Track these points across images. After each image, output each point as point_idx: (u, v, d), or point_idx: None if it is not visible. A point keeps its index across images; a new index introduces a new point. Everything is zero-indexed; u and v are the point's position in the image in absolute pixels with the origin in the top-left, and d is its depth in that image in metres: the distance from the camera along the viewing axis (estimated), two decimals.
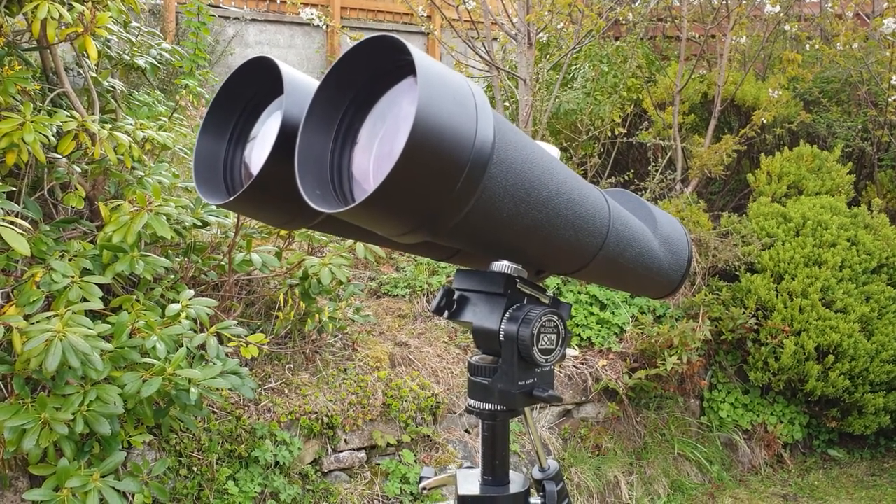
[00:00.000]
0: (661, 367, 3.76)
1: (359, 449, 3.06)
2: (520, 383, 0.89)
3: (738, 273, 4.28)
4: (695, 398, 4.18)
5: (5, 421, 2.07)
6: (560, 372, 3.70)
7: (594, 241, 0.88)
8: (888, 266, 4.18)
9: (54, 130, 2.50)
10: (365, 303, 3.69)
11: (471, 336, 0.93)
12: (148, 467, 2.43)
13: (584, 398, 3.77)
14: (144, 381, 2.23)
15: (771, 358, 4.03)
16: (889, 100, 4.87)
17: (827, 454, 4.29)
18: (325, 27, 5.09)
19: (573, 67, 5.41)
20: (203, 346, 2.45)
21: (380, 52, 0.72)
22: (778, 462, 4.16)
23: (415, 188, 0.66)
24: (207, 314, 2.48)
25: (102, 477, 2.20)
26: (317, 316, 3.10)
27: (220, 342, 2.57)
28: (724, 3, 5.04)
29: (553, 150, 0.93)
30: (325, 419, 2.96)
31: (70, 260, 2.38)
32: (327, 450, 2.99)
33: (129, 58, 3.31)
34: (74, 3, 2.52)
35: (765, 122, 4.85)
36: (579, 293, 4.06)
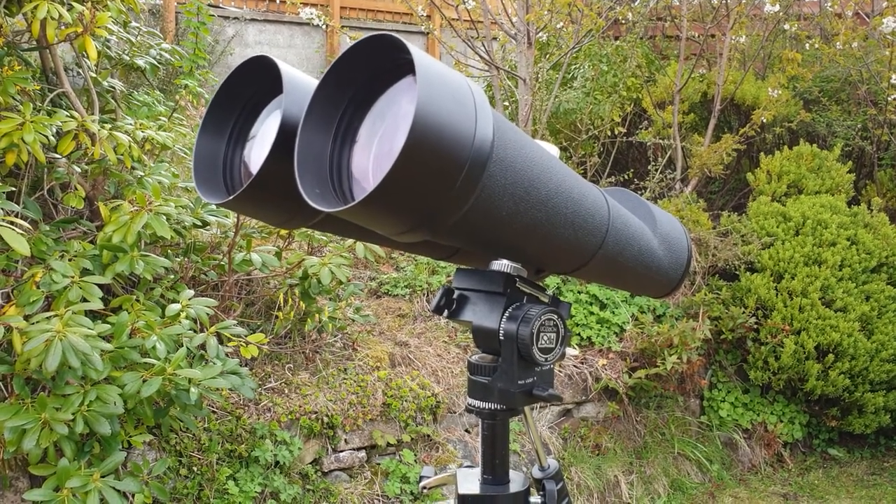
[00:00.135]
0: (661, 367, 3.76)
1: (359, 449, 3.06)
2: (519, 382, 0.89)
3: (737, 272, 4.28)
4: (695, 397, 4.18)
5: (5, 421, 2.07)
6: (560, 371, 3.70)
7: (593, 240, 0.88)
8: (888, 265, 4.18)
9: (54, 130, 2.50)
10: (365, 302, 3.69)
11: (471, 335, 0.93)
12: (148, 467, 2.43)
13: (584, 397, 3.77)
14: (144, 381, 2.22)
15: (771, 357, 4.03)
16: (889, 99, 4.87)
17: (827, 453, 4.29)
18: (324, 27, 5.09)
19: (573, 67, 5.41)
20: (203, 346, 2.45)
21: (379, 51, 0.72)
22: (778, 461, 4.17)
23: (414, 187, 0.66)
24: (207, 314, 2.48)
25: (102, 477, 2.20)
26: (317, 316, 3.10)
27: (220, 342, 2.57)
28: (724, 2, 5.04)
29: (552, 149, 0.93)
30: (326, 419, 2.96)
31: (70, 260, 2.38)
32: (327, 449, 2.99)
33: (128, 58, 3.31)
34: (74, 3, 2.52)
35: (764, 121, 4.85)
36: (579, 293, 4.06)
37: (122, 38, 3.27)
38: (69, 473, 2.16)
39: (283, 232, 3.10)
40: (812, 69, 5.12)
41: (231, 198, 0.78)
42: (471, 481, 0.96)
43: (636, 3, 5.22)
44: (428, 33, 5.87)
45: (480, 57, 4.80)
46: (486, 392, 0.91)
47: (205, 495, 2.63)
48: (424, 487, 1.03)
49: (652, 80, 5.57)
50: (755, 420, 4.16)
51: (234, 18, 6.77)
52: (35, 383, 2.29)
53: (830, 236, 4.12)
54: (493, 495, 0.94)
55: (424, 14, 5.99)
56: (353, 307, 3.28)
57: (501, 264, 0.90)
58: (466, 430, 3.38)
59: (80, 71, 2.98)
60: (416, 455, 3.14)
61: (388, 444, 3.09)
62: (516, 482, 0.96)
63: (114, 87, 3.16)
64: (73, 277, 2.30)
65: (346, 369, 3.19)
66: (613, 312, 4.05)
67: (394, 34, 0.69)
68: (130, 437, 2.40)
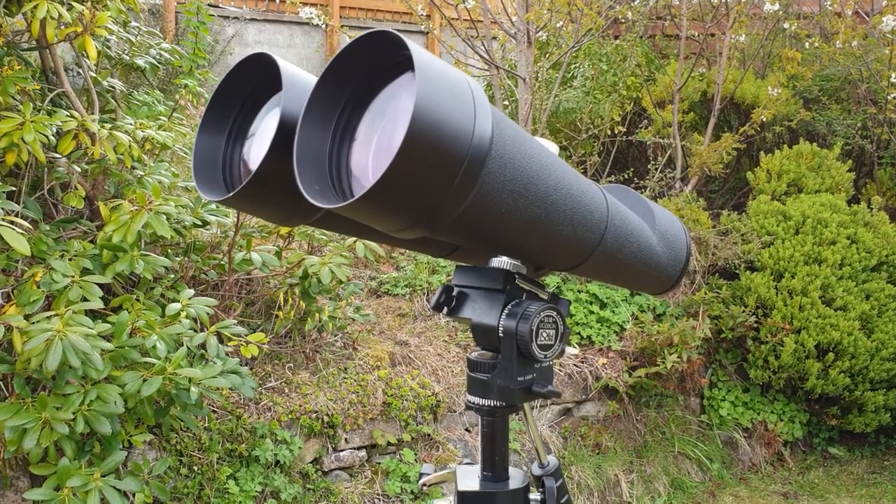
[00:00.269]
0: (662, 366, 3.76)
1: (359, 448, 3.06)
2: (519, 379, 0.89)
3: (737, 271, 4.28)
4: (695, 396, 4.18)
5: (6, 420, 2.07)
6: (560, 370, 3.70)
7: (592, 237, 0.88)
8: (888, 264, 4.18)
9: (54, 130, 2.50)
10: (365, 302, 3.69)
11: (470, 333, 0.93)
12: (148, 466, 2.43)
13: (584, 397, 3.78)
14: (145, 380, 2.23)
15: (771, 356, 4.03)
16: (888, 97, 4.87)
17: (827, 452, 4.29)
18: (324, 26, 5.09)
19: (572, 66, 5.41)
20: (203, 346, 2.45)
21: (378, 48, 0.72)
22: (778, 460, 4.17)
23: (413, 183, 0.66)
24: (207, 313, 2.48)
25: (103, 476, 2.20)
26: (317, 315, 3.10)
27: (221, 341, 2.57)
28: (724, 1, 5.04)
29: (552, 147, 0.93)
30: (326, 418, 2.96)
31: (70, 259, 2.39)
32: (328, 449, 2.99)
33: (128, 57, 3.31)
34: (74, 3, 2.52)
35: (764, 120, 4.85)
36: (579, 292, 4.06)
37: (122, 38, 3.27)
38: (70, 473, 2.16)
39: (283, 231, 3.10)
40: (812, 68, 5.12)
41: (230, 195, 0.78)
42: (470, 478, 0.96)
43: (636, 3, 5.22)
44: (428, 33, 5.87)
45: (480, 56, 4.80)
46: (486, 389, 0.91)
47: (205, 494, 2.63)
48: (424, 484, 1.03)
49: (652, 79, 5.56)
50: (755, 419, 4.16)
51: (234, 18, 6.78)
52: (35, 383, 2.29)
53: (830, 235, 4.12)
54: (492, 492, 0.94)
55: (424, 13, 5.99)
56: (353, 306, 3.28)
57: (501, 261, 0.90)
58: (467, 430, 3.38)
59: (80, 71, 2.98)
60: (416, 454, 3.14)
61: (389, 444, 3.09)
62: (516, 479, 0.96)
63: (114, 87, 3.16)
64: (73, 277, 2.30)
65: (346, 368, 3.19)
66: (613, 311, 4.05)
67: (392, 30, 0.69)
68: (131, 436, 2.40)
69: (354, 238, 3.07)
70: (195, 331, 2.48)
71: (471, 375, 0.92)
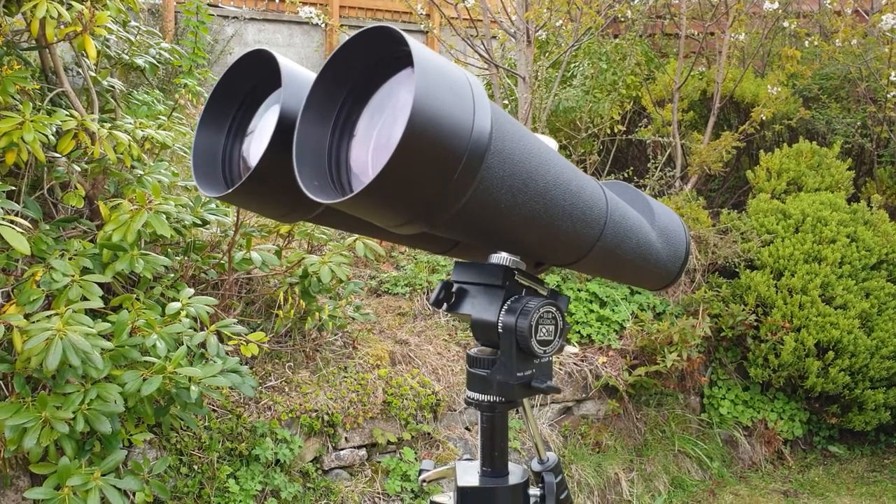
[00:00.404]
0: (661, 364, 3.76)
1: (359, 447, 3.06)
2: (518, 374, 0.89)
3: (737, 270, 4.28)
4: (695, 395, 4.18)
5: (6, 420, 2.07)
6: (560, 369, 3.70)
7: (592, 232, 0.88)
8: (888, 262, 4.18)
9: (54, 130, 2.50)
10: (365, 301, 3.69)
11: (470, 331, 0.93)
12: (149, 466, 2.43)
13: (584, 395, 3.78)
14: (145, 379, 2.23)
15: (771, 354, 4.03)
16: (888, 96, 4.87)
17: (827, 450, 4.29)
18: (323, 26, 5.09)
19: (572, 65, 5.42)
20: (203, 345, 2.45)
21: (377, 43, 0.72)
22: (778, 458, 4.17)
23: (412, 178, 0.66)
24: (207, 312, 2.48)
25: (103, 475, 2.20)
26: (317, 314, 3.10)
27: (221, 340, 2.57)
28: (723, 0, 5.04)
29: (551, 143, 0.93)
30: (326, 417, 2.96)
31: (70, 259, 2.39)
32: (328, 448, 2.99)
33: (128, 57, 3.31)
34: (73, 3, 2.52)
35: (764, 118, 4.85)
36: (579, 290, 4.06)
37: (122, 38, 3.28)
38: (70, 472, 2.16)
39: (283, 230, 3.10)
40: (811, 66, 5.12)
41: (230, 191, 0.79)
42: (470, 474, 0.96)
43: (635, 2, 5.22)
44: (427, 32, 5.87)
45: (480, 55, 4.80)
46: (485, 384, 0.91)
47: (205, 493, 2.64)
48: (424, 481, 1.03)
49: (651, 77, 5.56)
50: (755, 417, 4.16)
51: (234, 17, 6.78)
52: (35, 382, 2.29)
53: (830, 233, 4.12)
54: (491, 487, 0.94)
55: (424, 13, 5.99)
56: (353, 305, 3.29)
57: (500, 257, 0.90)
58: (467, 428, 3.38)
59: (80, 70, 2.98)
60: (416, 453, 3.14)
61: (389, 443, 3.10)
62: (515, 474, 0.96)
63: (113, 87, 3.16)
64: (73, 276, 2.30)
65: (346, 367, 3.19)
66: (613, 310, 4.05)
67: (391, 26, 0.69)
68: (131, 435, 2.40)
69: (354, 237, 3.07)
70: (195, 330, 2.48)
71: (470, 371, 0.92)
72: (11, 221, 2.17)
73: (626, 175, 4.96)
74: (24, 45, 2.85)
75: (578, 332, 3.94)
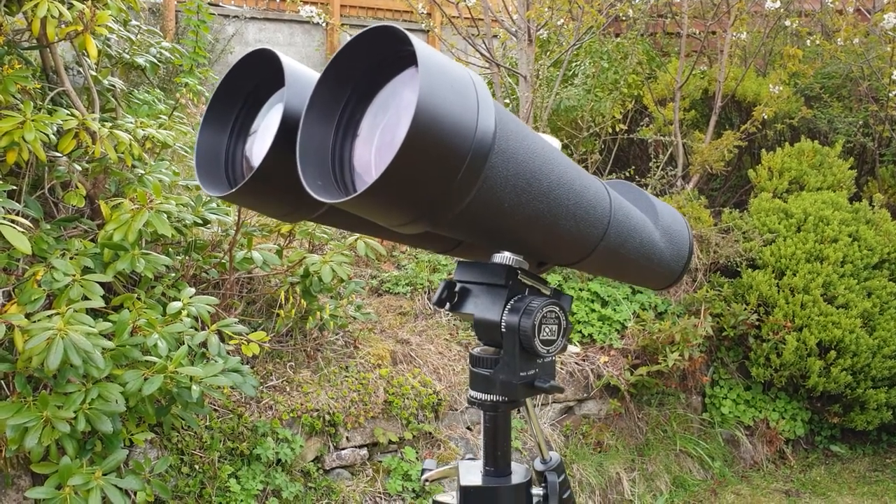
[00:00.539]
0: (663, 364, 3.76)
1: (361, 446, 3.06)
2: (521, 374, 0.89)
3: (739, 269, 4.28)
4: (696, 394, 4.18)
5: (7, 419, 2.07)
6: (562, 368, 3.70)
7: (595, 232, 0.88)
8: (889, 261, 4.18)
9: (55, 129, 2.50)
10: (366, 300, 3.69)
11: (472, 331, 0.93)
12: (150, 465, 2.43)
13: (585, 395, 3.77)
14: (146, 379, 2.23)
15: (773, 354, 4.03)
16: (890, 95, 4.86)
17: (829, 450, 4.29)
18: (324, 25, 5.09)
19: (573, 64, 5.41)
20: (204, 344, 2.45)
21: (381, 43, 0.72)
22: (780, 458, 4.16)
23: (416, 178, 0.66)
24: (208, 312, 2.48)
25: (104, 475, 2.20)
26: (318, 314, 3.10)
27: (222, 340, 2.57)
28: None
29: (554, 142, 0.93)
30: (327, 417, 2.96)
31: (71, 258, 2.39)
32: (329, 447, 2.99)
33: (128, 56, 3.31)
34: (74, 2, 2.52)
35: (766, 117, 4.84)
36: (580, 290, 4.06)
37: (123, 37, 3.27)
38: (71, 471, 2.16)
39: (285, 230, 3.10)
40: (813, 65, 5.11)
41: (233, 190, 0.78)
42: (473, 473, 0.96)
43: (637, 0, 5.22)
44: (428, 31, 5.87)
45: (481, 54, 4.80)
46: (488, 384, 0.91)
47: (206, 493, 2.63)
48: (427, 480, 1.03)
49: (653, 76, 5.56)
50: (757, 417, 4.16)
51: (234, 17, 6.78)
52: (37, 381, 2.29)
53: (832, 233, 4.12)
54: (494, 487, 0.94)
55: (425, 12, 5.98)
56: (354, 305, 3.28)
57: (503, 257, 0.90)
58: (468, 428, 3.38)
59: (81, 69, 2.98)
60: (417, 452, 3.14)
61: (390, 442, 3.09)
62: (518, 474, 0.96)
63: (114, 86, 3.16)
64: (74, 276, 2.30)
65: (347, 367, 3.19)
66: (615, 310, 4.05)
67: (395, 25, 0.69)
68: (132, 435, 2.40)
69: (356, 236, 3.07)
70: (196, 329, 2.48)
71: (473, 371, 0.92)
72: (12, 221, 2.17)
73: (627, 174, 4.96)
74: (25, 45, 2.84)
75: (580, 331, 3.94)
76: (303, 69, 0.80)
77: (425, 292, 3.89)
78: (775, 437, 4.13)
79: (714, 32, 5.39)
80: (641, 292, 4.21)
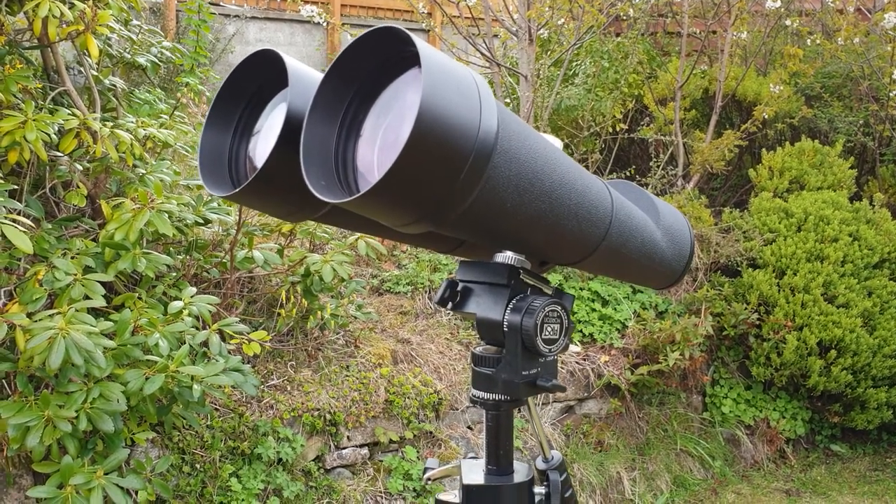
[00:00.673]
0: (664, 363, 3.76)
1: (361, 445, 3.06)
2: (523, 373, 0.89)
3: (739, 268, 4.28)
4: (697, 394, 4.18)
5: (9, 418, 2.08)
6: (562, 368, 3.70)
7: (597, 232, 0.88)
8: (890, 261, 4.18)
9: (56, 129, 2.50)
10: (367, 300, 3.69)
11: (473, 332, 0.94)
12: (151, 464, 2.44)
13: (586, 394, 3.78)
14: (147, 378, 2.23)
15: (773, 353, 4.03)
16: (890, 94, 4.86)
17: (829, 449, 4.29)
18: (325, 24, 5.09)
19: (574, 63, 5.41)
20: (205, 344, 2.46)
21: (384, 44, 0.72)
22: (780, 457, 4.17)
23: (419, 178, 0.67)
24: (209, 311, 2.48)
25: (106, 474, 2.20)
26: (319, 313, 3.10)
27: (223, 339, 2.57)
28: None
29: (556, 142, 0.93)
30: (328, 416, 2.96)
31: (72, 258, 2.39)
32: (330, 447, 2.99)
33: (129, 56, 3.31)
34: (75, 2, 2.52)
35: (766, 117, 4.84)
36: (581, 289, 4.06)
37: (124, 37, 3.27)
38: (72, 471, 2.16)
39: (285, 229, 3.10)
40: (814, 65, 5.11)
41: (237, 190, 0.79)
42: (475, 472, 0.96)
43: (637, 0, 5.22)
44: (429, 30, 5.87)
45: (482, 54, 4.80)
46: (491, 383, 0.91)
47: (208, 492, 2.64)
48: (429, 479, 1.03)
49: (653, 76, 5.56)
50: (757, 416, 4.16)
51: (235, 16, 6.78)
52: (38, 381, 2.30)
53: (832, 232, 4.12)
54: (497, 485, 0.94)
55: (425, 11, 5.98)
56: (355, 304, 3.29)
57: (505, 256, 0.90)
58: (469, 427, 3.38)
59: (82, 69, 2.98)
60: (418, 452, 3.14)
61: (391, 441, 3.10)
62: (520, 473, 0.96)
63: (115, 86, 3.16)
64: (75, 275, 2.31)
65: (348, 366, 3.19)
66: (615, 309, 4.05)
67: (398, 26, 0.69)
68: (133, 434, 2.40)
69: (356, 236, 3.07)
70: (197, 329, 2.48)
71: (475, 370, 0.92)
72: (14, 220, 2.17)
73: (628, 174, 4.96)
74: (27, 44, 2.85)
75: (581, 330, 3.94)
76: (306, 69, 0.81)
77: (426, 292, 3.89)
78: (776, 436, 4.13)
79: (714, 32, 5.39)
80: (642, 292, 4.22)
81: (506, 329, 0.88)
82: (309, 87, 0.77)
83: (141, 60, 3.32)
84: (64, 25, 2.57)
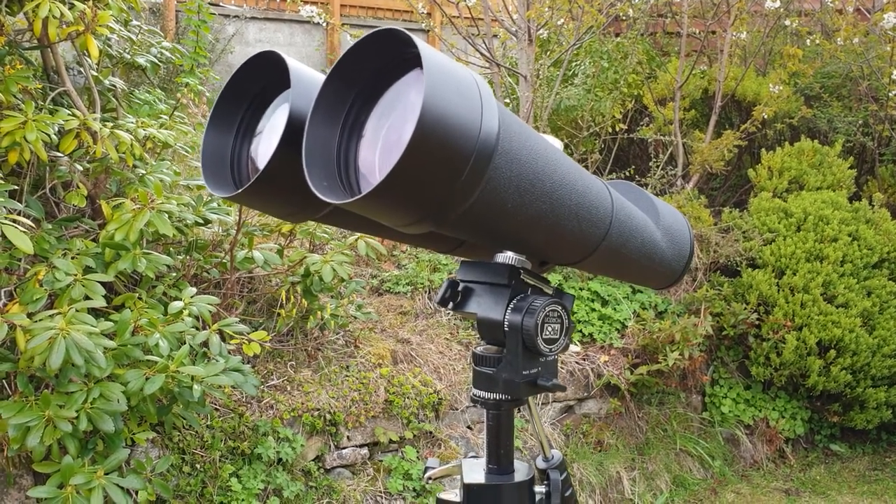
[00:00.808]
0: (663, 363, 3.76)
1: (361, 445, 3.07)
2: (524, 373, 0.89)
3: (739, 268, 4.29)
4: (696, 394, 4.18)
5: (9, 418, 2.08)
6: (562, 368, 3.71)
7: (597, 232, 0.89)
8: (889, 261, 4.19)
9: (56, 129, 2.50)
10: (367, 300, 3.70)
11: (473, 332, 0.94)
12: (151, 464, 2.44)
13: (586, 394, 3.78)
14: (147, 378, 2.23)
15: (772, 353, 4.03)
16: (890, 94, 4.87)
17: (829, 449, 4.30)
18: (324, 25, 5.09)
19: (574, 64, 5.41)
20: (206, 344, 2.46)
21: (386, 46, 0.72)
22: (780, 457, 4.17)
23: (421, 179, 0.67)
24: (210, 312, 2.48)
25: (106, 474, 2.20)
26: (319, 313, 3.11)
27: (223, 339, 2.57)
28: None
29: (556, 143, 0.93)
30: (328, 416, 2.96)
31: (73, 258, 2.39)
32: (330, 446, 2.99)
33: (129, 56, 3.31)
34: (75, 2, 2.52)
35: (765, 117, 4.85)
36: (580, 289, 4.07)
37: (123, 37, 3.28)
38: (73, 470, 2.16)
39: (285, 230, 3.11)
40: (813, 65, 5.12)
41: (239, 191, 0.79)
42: (476, 471, 0.96)
43: (636, 0, 5.22)
44: (428, 30, 5.87)
45: (481, 54, 4.80)
46: (491, 383, 0.91)
47: (208, 492, 2.64)
48: (430, 478, 1.04)
49: (653, 76, 5.56)
50: (757, 416, 4.17)
51: (235, 16, 6.78)
52: (39, 381, 2.30)
53: (832, 232, 4.12)
54: (498, 485, 0.94)
55: (425, 11, 5.99)
56: (354, 304, 3.29)
57: (506, 256, 0.90)
58: (469, 427, 3.39)
59: (82, 69, 2.98)
60: (418, 452, 3.15)
61: (391, 441, 3.10)
62: (521, 472, 0.96)
63: (115, 86, 3.17)
64: (75, 275, 2.31)
65: (348, 366, 3.19)
66: (615, 309, 4.05)
67: (400, 28, 0.70)
68: (134, 434, 2.41)
69: (356, 236, 3.07)
70: (197, 329, 2.48)
71: (476, 369, 0.93)
72: (14, 220, 2.17)
73: (627, 174, 4.96)
74: (27, 45, 2.85)
75: (580, 330, 3.94)
76: (308, 71, 0.81)
77: (426, 292, 3.89)
78: (775, 436, 4.14)
79: (714, 32, 5.40)
80: (642, 291, 4.22)
81: (506, 329, 0.89)
82: (311, 88, 0.77)
83: (141, 61, 3.32)
84: (64, 26, 2.57)
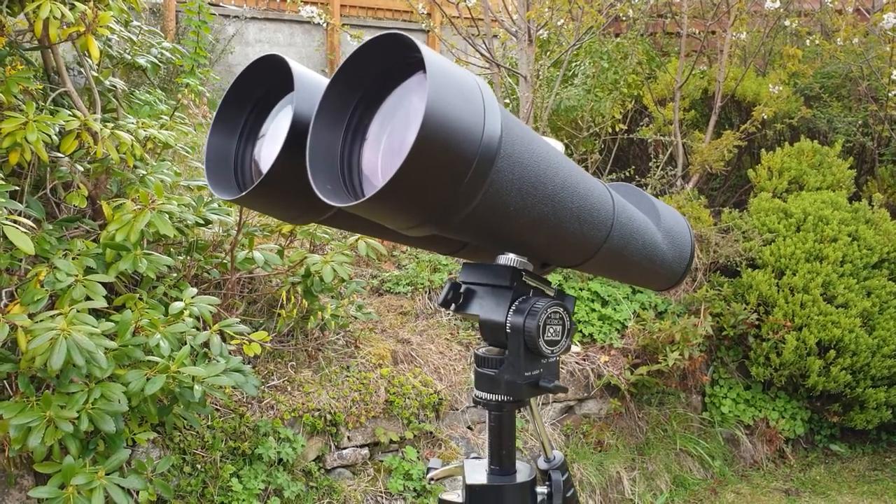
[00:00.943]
0: (663, 363, 3.77)
1: (362, 446, 3.07)
2: (526, 374, 0.90)
3: (739, 269, 4.29)
4: (696, 394, 4.19)
5: (10, 419, 2.08)
6: (562, 368, 3.71)
7: (599, 234, 0.89)
8: (889, 261, 4.19)
9: (56, 130, 2.51)
10: (367, 300, 3.70)
11: (473, 332, 0.95)
12: (152, 465, 2.44)
13: (586, 394, 3.78)
14: (148, 378, 2.23)
15: (772, 353, 4.04)
16: (889, 95, 4.87)
17: (829, 449, 4.30)
18: (324, 25, 5.09)
19: (573, 64, 5.42)
20: (206, 344, 2.46)
21: (390, 50, 0.73)
22: (780, 457, 4.18)
23: (424, 182, 0.67)
24: (210, 312, 2.48)
25: (107, 474, 2.20)
26: (319, 313, 3.11)
27: (223, 340, 2.58)
28: None
29: (557, 145, 0.94)
30: (328, 416, 2.97)
31: (73, 259, 2.39)
32: (330, 447, 3.00)
33: (130, 57, 3.32)
34: (76, 3, 2.53)
35: (765, 117, 4.85)
36: (581, 289, 4.07)
37: (124, 37, 3.28)
38: (74, 471, 2.17)
39: (286, 230, 3.11)
40: (813, 65, 5.12)
41: (243, 194, 0.79)
42: (478, 472, 0.97)
43: (636, 1, 5.22)
44: (428, 31, 5.87)
45: (481, 54, 4.80)
46: (493, 384, 0.92)
47: (208, 493, 2.64)
48: (432, 478, 1.04)
49: (653, 76, 5.57)
50: (757, 416, 4.17)
51: (235, 17, 6.78)
52: (40, 381, 2.30)
53: (832, 232, 4.13)
54: (500, 485, 0.95)
55: (425, 12, 5.99)
56: (355, 305, 3.29)
57: (508, 258, 0.91)
58: (469, 427, 3.39)
59: (82, 70, 2.98)
60: (418, 452, 3.15)
61: (391, 442, 3.10)
62: (523, 472, 0.97)
63: (115, 86, 3.17)
64: (76, 276, 2.31)
65: (348, 367, 3.20)
66: (615, 309, 4.06)
67: (403, 33, 0.70)
68: (134, 434, 2.41)
69: (356, 236, 3.08)
70: (198, 329, 2.49)
71: (478, 371, 0.93)
72: (15, 221, 2.17)
73: (627, 174, 4.97)
74: (27, 46, 2.85)
75: (581, 331, 3.95)
76: (311, 74, 0.82)
77: (426, 292, 3.90)
78: (775, 436, 4.14)
79: (714, 32, 5.40)
80: (642, 292, 4.22)
81: (508, 331, 0.89)
82: (314, 92, 0.77)
83: (141, 61, 3.33)
84: (65, 27, 2.58)
